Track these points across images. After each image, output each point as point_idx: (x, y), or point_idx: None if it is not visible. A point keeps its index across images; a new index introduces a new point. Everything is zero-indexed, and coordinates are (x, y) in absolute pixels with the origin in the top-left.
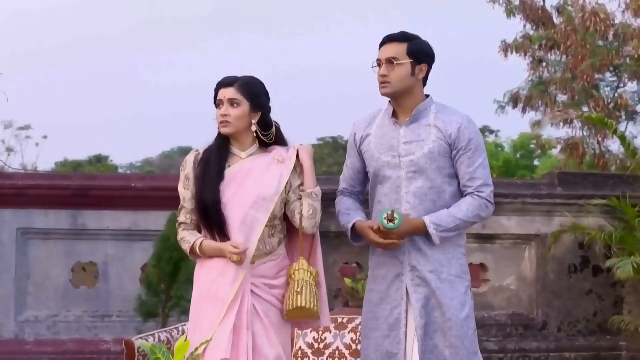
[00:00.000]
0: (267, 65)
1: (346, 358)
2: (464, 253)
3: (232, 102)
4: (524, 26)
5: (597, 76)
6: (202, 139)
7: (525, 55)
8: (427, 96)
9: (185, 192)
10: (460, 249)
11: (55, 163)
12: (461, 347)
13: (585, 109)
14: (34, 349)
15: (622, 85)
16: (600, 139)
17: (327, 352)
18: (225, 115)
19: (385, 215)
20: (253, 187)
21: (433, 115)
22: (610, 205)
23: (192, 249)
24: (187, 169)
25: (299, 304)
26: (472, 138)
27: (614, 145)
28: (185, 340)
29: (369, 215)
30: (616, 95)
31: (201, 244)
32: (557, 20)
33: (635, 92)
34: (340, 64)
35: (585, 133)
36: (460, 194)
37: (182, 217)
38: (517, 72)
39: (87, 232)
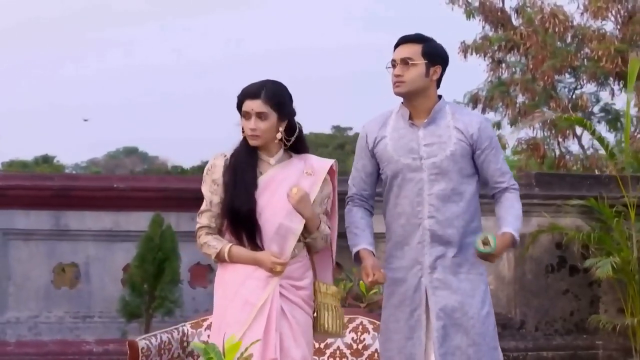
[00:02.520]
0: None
1: (347, 357)
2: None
3: (260, 115)
4: (483, 27)
5: (556, 77)
6: (145, 134)
7: (485, 56)
8: (440, 97)
9: (213, 196)
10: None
11: (1, 163)
12: (482, 343)
13: (545, 109)
14: (16, 350)
15: (579, 86)
16: (560, 140)
17: (328, 352)
18: (255, 129)
19: (480, 241)
20: (285, 197)
21: (450, 116)
22: (587, 206)
23: (220, 255)
24: (216, 173)
25: (317, 329)
26: (492, 136)
27: (574, 146)
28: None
29: (378, 218)
30: (574, 96)
31: (230, 250)
32: (515, 21)
33: (592, 93)
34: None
35: (545, 133)
36: (478, 192)
37: (205, 220)
38: (477, 72)
39: (69, 233)
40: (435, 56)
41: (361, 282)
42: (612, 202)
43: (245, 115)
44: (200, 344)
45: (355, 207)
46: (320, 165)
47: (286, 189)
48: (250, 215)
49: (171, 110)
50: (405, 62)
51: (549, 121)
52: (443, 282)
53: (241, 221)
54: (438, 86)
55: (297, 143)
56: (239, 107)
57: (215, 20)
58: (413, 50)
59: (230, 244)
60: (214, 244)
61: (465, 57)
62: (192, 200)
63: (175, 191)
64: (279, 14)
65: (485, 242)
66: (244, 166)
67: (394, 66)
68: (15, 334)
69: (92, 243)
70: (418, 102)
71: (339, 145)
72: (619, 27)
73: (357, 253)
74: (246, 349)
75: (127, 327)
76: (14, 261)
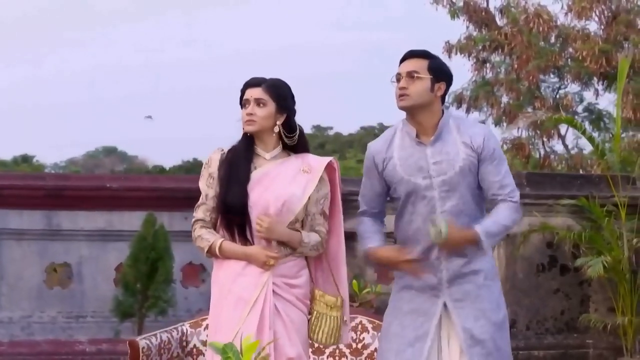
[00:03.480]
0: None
1: (346, 357)
2: (491, 255)
3: (259, 102)
4: (467, 27)
5: (540, 77)
6: (125, 136)
7: (469, 56)
8: (443, 111)
9: (209, 189)
10: (490, 251)
11: None
12: (505, 347)
13: (530, 109)
14: (9, 349)
15: (563, 86)
16: (545, 140)
17: (327, 351)
18: (251, 114)
19: (432, 228)
20: (278, 194)
21: (456, 131)
22: (578, 205)
23: (211, 249)
24: (212, 167)
25: (310, 337)
26: (495, 147)
27: (558, 146)
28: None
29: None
30: (558, 96)
31: (221, 245)
32: (500, 21)
33: (576, 93)
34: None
35: (530, 133)
36: (482, 203)
37: (201, 214)
38: (461, 72)
39: (61, 233)
40: (441, 73)
41: (354, 281)
42: (602, 201)
43: (245, 104)
44: (218, 344)
45: (367, 217)
46: (317, 163)
47: (280, 186)
48: (243, 210)
49: (149, 109)
50: (410, 75)
51: (539, 122)
52: (463, 293)
53: (233, 215)
54: (442, 103)
55: (297, 143)
56: (241, 99)
57: (190, 20)
58: (419, 65)
59: (222, 239)
60: (207, 237)
61: (449, 57)
62: (184, 200)
63: (168, 191)
64: (257, 14)
65: (438, 230)
66: (239, 160)
67: (398, 80)
68: (8, 333)
69: (84, 243)
70: (422, 117)
71: (319, 144)
72: (602, 27)
73: (367, 251)
74: (263, 349)
75: (120, 326)
76: (7, 261)
